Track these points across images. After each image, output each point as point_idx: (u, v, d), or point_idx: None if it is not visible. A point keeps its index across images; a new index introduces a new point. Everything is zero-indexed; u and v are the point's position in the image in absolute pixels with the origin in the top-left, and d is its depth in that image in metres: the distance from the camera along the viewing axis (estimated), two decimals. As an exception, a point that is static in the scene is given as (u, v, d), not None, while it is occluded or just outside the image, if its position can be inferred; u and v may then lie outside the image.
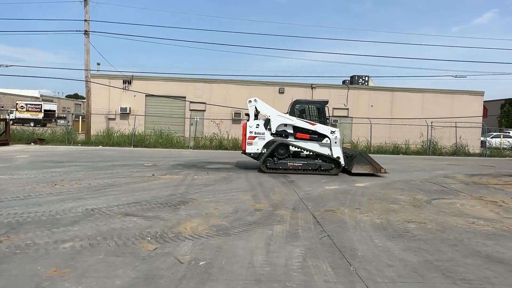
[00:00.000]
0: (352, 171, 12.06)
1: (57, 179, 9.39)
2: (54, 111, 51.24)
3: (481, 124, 26.77)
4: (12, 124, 28.47)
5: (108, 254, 4.36)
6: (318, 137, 12.18)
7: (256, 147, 12.23)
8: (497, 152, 25.68)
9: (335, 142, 12.09)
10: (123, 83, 26.45)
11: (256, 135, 12.26)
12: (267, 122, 12.34)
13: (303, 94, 26.95)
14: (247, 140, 12.27)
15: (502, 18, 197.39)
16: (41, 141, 22.15)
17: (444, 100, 27.59)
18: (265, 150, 12.18)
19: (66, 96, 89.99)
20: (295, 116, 12.39)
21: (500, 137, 29.25)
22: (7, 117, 37.00)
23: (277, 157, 12.16)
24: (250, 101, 12.64)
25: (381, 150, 23.80)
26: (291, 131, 12.24)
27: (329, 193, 8.80)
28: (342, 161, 12.11)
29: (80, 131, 29.25)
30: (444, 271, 4.18)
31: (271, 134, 12.27)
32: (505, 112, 44.97)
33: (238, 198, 7.88)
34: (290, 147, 12.32)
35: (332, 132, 12.14)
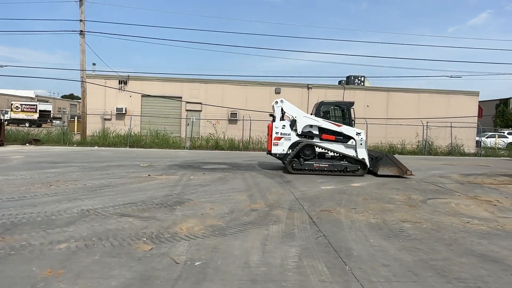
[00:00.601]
0: (378, 173, 12.05)
1: (52, 180, 9.35)
2: (50, 111, 51.02)
3: (476, 124, 26.95)
4: (7, 125, 28.30)
5: (103, 255, 4.35)
6: (344, 138, 12.24)
7: (282, 147, 12.26)
8: (492, 152, 25.85)
9: (361, 144, 12.15)
10: (119, 83, 26.40)
11: (282, 136, 12.28)
12: (293, 123, 12.37)
13: (299, 95, 27.03)
14: (273, 141, 12.30)
15: (497, 19, 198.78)
16: (36, 141, 22.04)
17: (440, 100, 27.75)
18: (290, 151, 12.20)
19: (62, 97, 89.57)
20: (320, 117, 12.42)
21: (495, 137, 29.43)
22: (2, 117, 36.73)
23: (303, 158, 12.18)
24: (276, 102, 12.60)
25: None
26: (317, 132, 12.28)
27: (325, 193, 8.82)
28: (367, 162, 12.15)
29: (75, 132, 29.09)
30: (439, 270, 4.20)
31: (297, 135, 12.30)
32: (500, 112, 45.28)
33: (234, 198, 7.88)
34: (316, 148, 12.37)
35: (358, 133, 12.19)
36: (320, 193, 8.87)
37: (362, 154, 12.15)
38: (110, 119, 26.10)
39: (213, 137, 23.64)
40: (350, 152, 12.21)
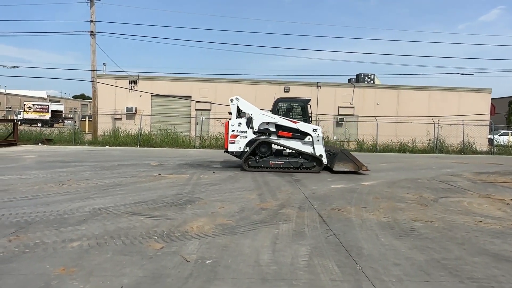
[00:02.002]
0: (334, 169, 12.03)
1: (65, 179, 9.48)
2: (61, 111, 51.75)
3: (488, 122, 26.52)
4: (20, 125, 28.74)
5: (115, 253, 4.39)
6: (301, 135, 12.18)
7: (238, 145, 12.21)
8: (505, 150, 25.46)
9: (318, 140, 12.05)
10: (129, 83, 26.58)
11: (238, 133, 12.21)
12: (249, 121, 12.28)
13: (309, 93, 26.84)
14: (229, 139, 12.25)
15: (509, 15, 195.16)
16: (48, 141, 22.35)
17: (451, 98, 27.35)
18: (247, 148, 12.16)
19: (73, 97, 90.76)
20: (277, 114, 12.38)
21: (508, 135, 28.96)
22: (15, 117, 37.34)
23: (259, 156, 12.14)
24: (232, 100, 12.56)
25: (387, 149, 23.71)
26: (274, 130, 12.24)
27: (335, 192, 8.78)
28: (324, 159, 12.10)
29: (86, 131, 29.46)
30: (451, 270, 4.16)
31: (254, 132, 12.24)
32: (513, 110, 44.46)
33: (244, 197, 7.90)
34: (273, 145, 12.31)
35: (314, 130, 12.12)
36: (330, 191, 8.84)
37: (320, 150, 12.07)
38: (120, 119, 26.31)
39: (222, 136, 23.70)
40: (308, 149, 12.13)
